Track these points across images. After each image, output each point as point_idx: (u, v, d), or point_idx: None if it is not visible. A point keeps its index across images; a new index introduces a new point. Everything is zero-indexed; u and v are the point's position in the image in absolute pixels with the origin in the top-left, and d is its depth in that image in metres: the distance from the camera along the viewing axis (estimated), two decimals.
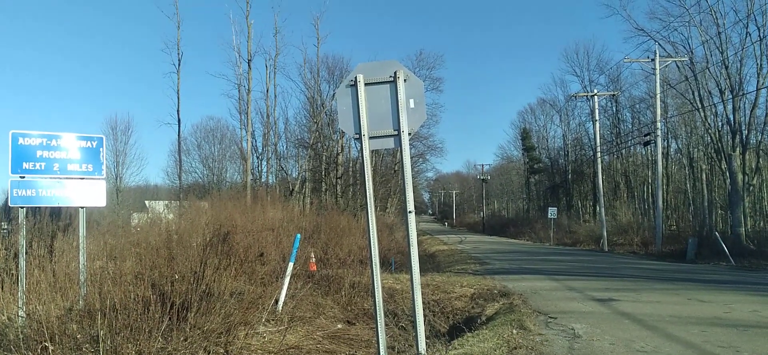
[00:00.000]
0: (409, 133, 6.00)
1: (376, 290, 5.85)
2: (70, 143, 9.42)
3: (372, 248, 5.94)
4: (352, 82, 6.06)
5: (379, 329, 5.86)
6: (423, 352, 5.82)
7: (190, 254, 9.11)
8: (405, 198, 6.05)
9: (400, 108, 5.94)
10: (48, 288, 7.70)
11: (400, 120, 5.94)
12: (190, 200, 29.77)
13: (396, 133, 6.01)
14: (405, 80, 6.00)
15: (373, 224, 5.96)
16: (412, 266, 5.81)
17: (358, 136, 6.07)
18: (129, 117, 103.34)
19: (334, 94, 41.35)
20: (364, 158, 6.08)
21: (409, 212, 5.99)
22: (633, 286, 13.84)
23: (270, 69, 38.94)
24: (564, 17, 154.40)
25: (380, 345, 5.86)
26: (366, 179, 6.07)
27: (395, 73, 5.98)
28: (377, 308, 5.86)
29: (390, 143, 6.14)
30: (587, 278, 16.57)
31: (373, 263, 5.90)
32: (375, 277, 5.88)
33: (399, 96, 5.95)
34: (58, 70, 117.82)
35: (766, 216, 35.59)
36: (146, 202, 42.93)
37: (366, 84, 6.04)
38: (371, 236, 5.95)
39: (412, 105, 6.03)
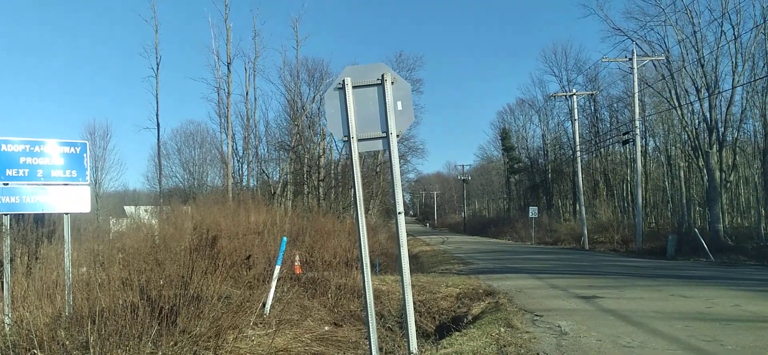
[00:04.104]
0: (398, 135, 6.05)
1: (367, 291, 5.89)
2: (54, 149, 9.31)
3: (362, 250, 5.98)
4: (340, 85, 6.09)
5: (370, 330, 5.89)
6: (414, 350, 5.86)
7: (177, 259, 9.07)
8: (395, 200, 6.10)
9: (388, 110, 5.98)
10: (35, 295, 7.64)
11: (389, 122, 5.99)
12: (172, 204, 29.57)
13: (384, 135, 6.05)
14: (392, 83, 6.04)
15: (364, 225, 6.00)
16: (403, 266, 5.86)
17: (346, 138, 6.09)
18: (108, 122, 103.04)
19: (314, 96, 41.36)
20: (353, 160, 6.12)
21: (399, 213, 6.05)
22: (615, 283, 14.01)
23: (249, 72, 38.97)
24: (542, 18, 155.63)
25: (372, 347, 5.89)
26: (355, 180, 6.10)
27: (383, 75, 6.02)
28: (368, 309, 5.89)
29: (378, 146, 6.18)
30: (570, 276, 16.73)
31: (364, 265, 5.93)
32: (366, 278, 5.91)
33: (387, 98, 5.99)
34: (34, 74, 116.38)
35: (744, 212, 36.25)
36: (125, 207, 42.46)
37: (354, 87, 6.08)
38: (361, 237, 5.99)
39: (399, 107, 6.07)
